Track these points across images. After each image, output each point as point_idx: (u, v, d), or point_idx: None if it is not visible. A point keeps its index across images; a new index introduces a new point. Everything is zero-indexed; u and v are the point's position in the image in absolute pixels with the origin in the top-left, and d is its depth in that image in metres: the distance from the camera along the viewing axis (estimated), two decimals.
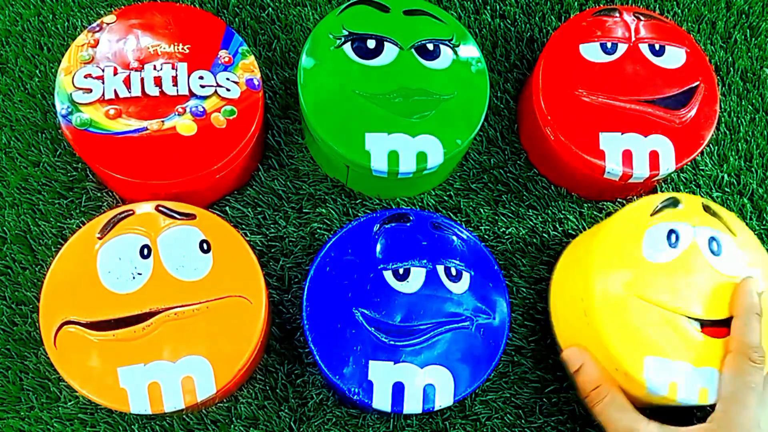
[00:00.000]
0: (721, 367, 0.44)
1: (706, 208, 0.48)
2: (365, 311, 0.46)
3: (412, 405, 0.44)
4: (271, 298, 0.49)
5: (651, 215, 0.47)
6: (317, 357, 0.44)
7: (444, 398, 0.44)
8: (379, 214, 0.49)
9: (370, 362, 0.44)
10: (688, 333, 0.44)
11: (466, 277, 0.47)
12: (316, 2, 0.60)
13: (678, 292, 0.45)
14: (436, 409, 0.44)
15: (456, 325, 0.46)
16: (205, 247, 0.45)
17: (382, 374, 0.44)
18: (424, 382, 0.44)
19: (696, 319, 0.44)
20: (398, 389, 0.44)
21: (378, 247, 0.48)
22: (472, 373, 0.45)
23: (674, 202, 0.48)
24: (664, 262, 0.45)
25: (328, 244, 0.48)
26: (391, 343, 0.45)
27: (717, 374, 0.43)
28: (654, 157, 0.51)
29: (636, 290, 0.44)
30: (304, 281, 0.47)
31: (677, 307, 0.44)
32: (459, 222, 0.54)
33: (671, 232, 0.46)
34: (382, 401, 0.44)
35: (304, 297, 0.46)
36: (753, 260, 0.47)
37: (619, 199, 0.56)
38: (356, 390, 0.44)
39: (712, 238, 0.47)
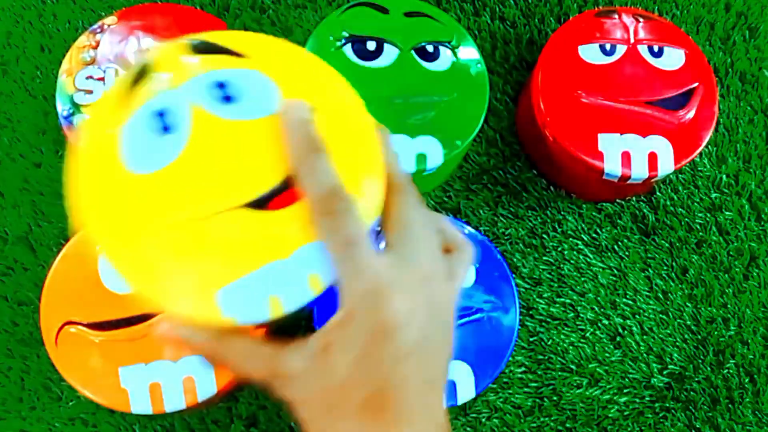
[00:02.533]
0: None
1: (193, 47, 0.31)
2: None
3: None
4: None
5: (117, 110, 0.29)
6: None
7: (466, 392, 0.45)
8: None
9: None
10: (252, 223, 0.28)
11: (471, 270, 0.48)
12: (316, 4, 0.60)
13: (205, 188, 0.29)
14: (459, 404, 0.45)
15: (469, 318, 0.46)
16: None
17: None
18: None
19: (251, 203, 0.29)
20: None
21: (382, 245, 0.48)
22: (491, 364, 0.46)
23: (141, 72, 0.30)
24: (170, 164, 0.29)
25: None
26: None
27: (321, 245, 0.29)
28: (653, 158, 0.51)
29: (143, 225, 0.28)
30: None
31: (225, 204, 0.29)
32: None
33: (156, 116, 0.29)
34: None
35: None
36: (289, 75, 0.31)
37: (618, 200, 0.57)
38: None
39: (217, 84, 0.30)
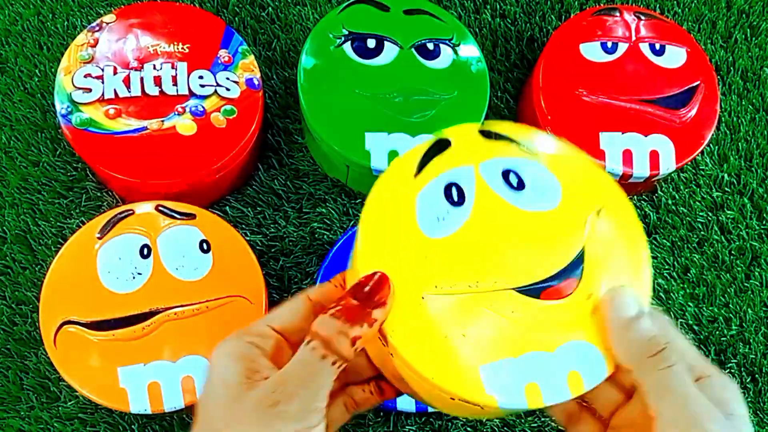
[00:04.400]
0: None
1: (486, 134, 0.33)
2: None
3: None
4: (271, 298, 0.49)
5: (415, 175, 0.32)
6: None
7: None
8: None
9: None
10: (520, 310, 0.29)
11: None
12: (316, 1, 0.60)
13: (484, 263, 0.30)
14: None
15: None
16: (205, 246, 0.45)
17: None
18: None
19: (524, 289, 0.30)
20: None
21: None
22: None
23: (440, 146, 0.33)
24: (453, 233, 0.30)
25: (332, 252, 0.48)
26: None
27: (587, 345, 0.29)
28: (654, 156, 0.51)
29: (425, 285, 0.29)
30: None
31: (492, 284, 0.30)
32: None
33: (449, 187, 0.31)
34: (405, 401, 0.44)
35: None
36: (571, 174, 0.32)
37: None
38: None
39: (509, 170, 0.32)
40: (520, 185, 0.32)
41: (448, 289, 0.29)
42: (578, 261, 0.30)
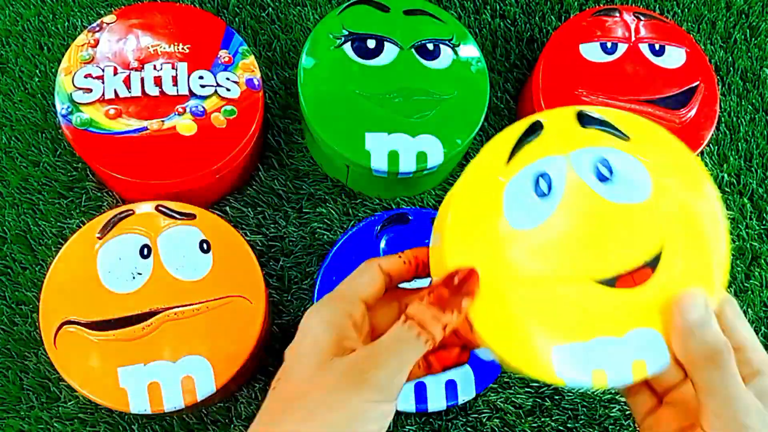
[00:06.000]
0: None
1: (583, 118, 0.32)
2: None
3: (436, 403, 0.45)
4: (271, 298, 0.49)
5: (507, 162, 0.31)
6: None
7: (466, 392, 0.45)
8: (377, 217, 0.49)
9: None
10: (594, 296, 0.30)
11: None
12: (316, 2, 0.60)
13: (567, 255, 0.30)
14: (459, 404, 0.45)
15: None
16: (205, 247, 0.45)
17: None
18: (445, 378, 0.45)
19: (605, 280, 0.30)
20: (421, 388, 0.44)
21: (382, 244, 0.48)
22: (492, 364, 0.46)
23: (533, 130, 0.32)
24: (539, 225, 0.31)
25: (332, 252, 0.48)
26: None
27: (654, 334, 0.30)
28: None
29: (508, 274, 0.30)
30: (313, 291, 0.47)
31: (571, 274, 0.30)
32: None
33: (538, 178, 0.31)
34: (406, 402, 0.44)
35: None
36: (663, 165, 0.32)
37: None
38: None
39: (601, 161, 0.32)
40: (611, 177, 0.31)
41: (528, 277, 0.30)
42: (657, 255, 0.30)
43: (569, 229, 0.31)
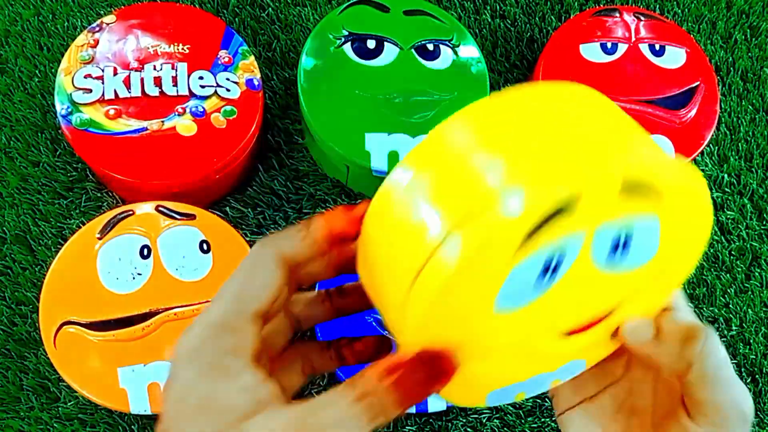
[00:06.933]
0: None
1: (629, 186, 0.23)
2: (378, 316, 0.46)
3: (436, 403, 0.44)
4: None
5: (518, 248, 0.22)
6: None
7: None
8: None
9: None
10: (548, 347, 0.28)
11: None
12: (316, 2, 0.60)
13: (545, 320, 0.26)
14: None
15: None
16: (204, 247, 0.45)
17: None
18: None
19: (560, 333, 0.28)
20: None
21: None
22: None
23: (566, 207, 0.22)
24: (526, 305, 0.25)
25: None
26: None
27: (581, 363, 0.29)
28: None
29: (480, 354, 0.26)
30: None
31: (542, 335, 0.27)
32: None
33: (548, 262, 0.23)
34: None
35: None
36: (675, 233, 0.26)
37: None
38: None
39: (626, 235, 0.24)
40: (623, 252, 0.25)
41: (493, 348, 0.27)
42: (614, 308, 0.28)
43: (552, 303, 0.25)
